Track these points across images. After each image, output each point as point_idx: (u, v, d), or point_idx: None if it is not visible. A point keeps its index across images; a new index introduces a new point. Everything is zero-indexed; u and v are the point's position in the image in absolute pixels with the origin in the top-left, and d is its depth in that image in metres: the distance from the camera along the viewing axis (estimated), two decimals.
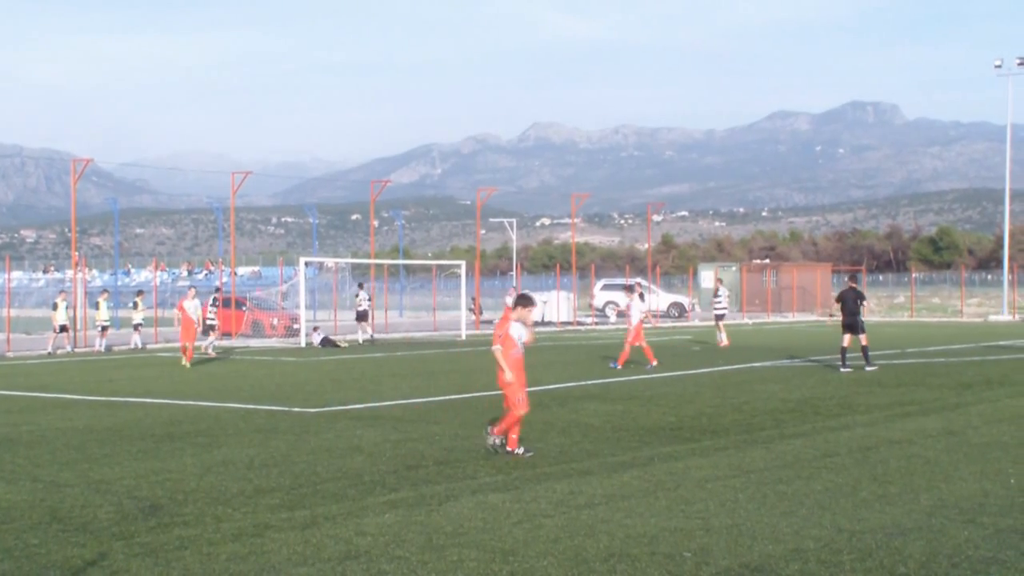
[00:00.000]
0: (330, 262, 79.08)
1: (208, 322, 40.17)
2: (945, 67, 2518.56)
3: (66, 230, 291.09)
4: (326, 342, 43.33)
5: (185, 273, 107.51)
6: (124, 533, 10.28)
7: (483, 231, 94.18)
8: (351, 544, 9.77)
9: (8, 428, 18.09)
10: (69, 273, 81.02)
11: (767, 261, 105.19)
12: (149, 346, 42.80)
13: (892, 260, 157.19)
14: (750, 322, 67.39)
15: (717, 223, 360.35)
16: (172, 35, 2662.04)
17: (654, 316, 59.93)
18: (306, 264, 51.65)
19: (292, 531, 10.28)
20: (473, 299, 60.79)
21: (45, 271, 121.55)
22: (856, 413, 19.08)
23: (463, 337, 48.82)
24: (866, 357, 28.78)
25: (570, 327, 60.18)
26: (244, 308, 50.82)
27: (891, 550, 9.43)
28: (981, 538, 9.87)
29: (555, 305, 63.71)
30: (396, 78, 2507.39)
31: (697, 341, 44.83)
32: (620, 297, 69.40)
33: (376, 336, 48.34)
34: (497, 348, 14.95)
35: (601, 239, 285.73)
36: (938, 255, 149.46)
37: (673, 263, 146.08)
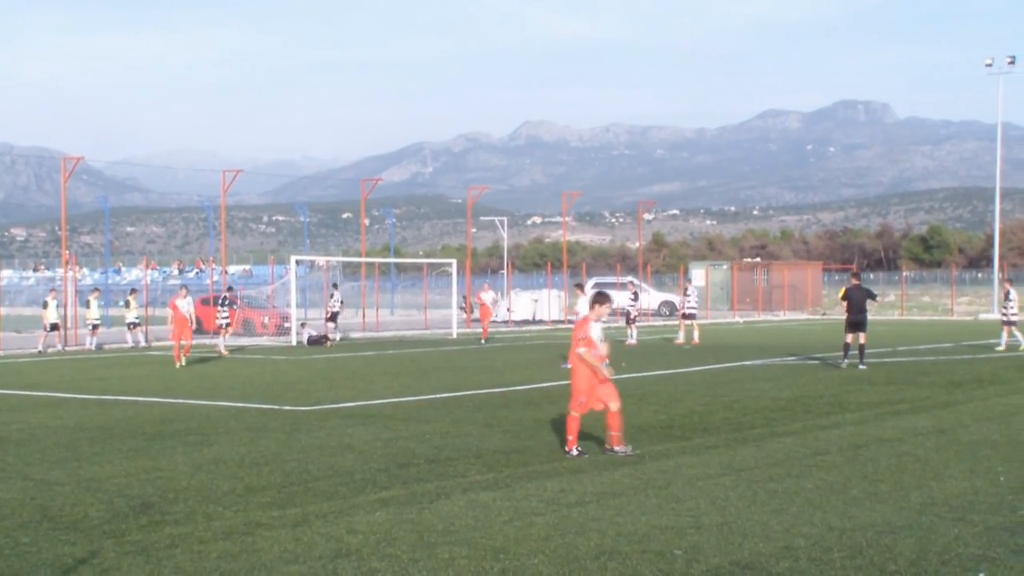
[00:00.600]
0: (321, 260, 79.04)
1: (221, 321, 39.96)
2: (936, 66, 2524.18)
3: (56, 228, 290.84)
4: (312, 340, 43.26)
5: (176, 272, 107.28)
6: (115, 531, 10.27)
7: (474, 229, 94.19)
8: (342, 542, 9.77)
9: None
10: (59, 271, 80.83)
11: (758, 260, 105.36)
12: (141, 344, 42.69)
13: (883, 259, 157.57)
14: (741, 320, 67.46)
15: (708, 222, 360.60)
16: (163, 33, 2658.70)
17: (645, 315, 59.94)
18: (297, 262, 51.61)
19: (283, 529, 10.28)
20: (464, 297, 60.78)
21: (35, 269, 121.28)
22: (847, 411, 19.11)
23: (454, 335, 48.82)
24: (862, 356, 28.83)
25: (561, 325, 60.17)
26: (235, 307, 50.74)
27: (881, 548, 9.45)
28: (971, 536, 9.90)
29: (546, 303, 63.75)
30: (387, 76, 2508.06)
31: (688, 340, 44.82)
32: (612, 295, 69.62)
33: (353, 336, 48.46)
34: (583, 351, 14.47)
35: (592, 238, 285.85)
36: (929, 254, 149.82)
37: (664, 262, 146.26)
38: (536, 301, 64.28)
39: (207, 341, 42.03)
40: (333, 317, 46.09)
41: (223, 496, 11.89)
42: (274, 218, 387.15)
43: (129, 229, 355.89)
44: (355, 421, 18.22)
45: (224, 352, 38.02)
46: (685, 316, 43.42)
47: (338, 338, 45.64)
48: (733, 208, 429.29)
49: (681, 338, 42.27)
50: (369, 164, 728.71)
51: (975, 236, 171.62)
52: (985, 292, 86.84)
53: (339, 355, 36.97)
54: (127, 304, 44.38)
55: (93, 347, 41.24)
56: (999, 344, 37.09)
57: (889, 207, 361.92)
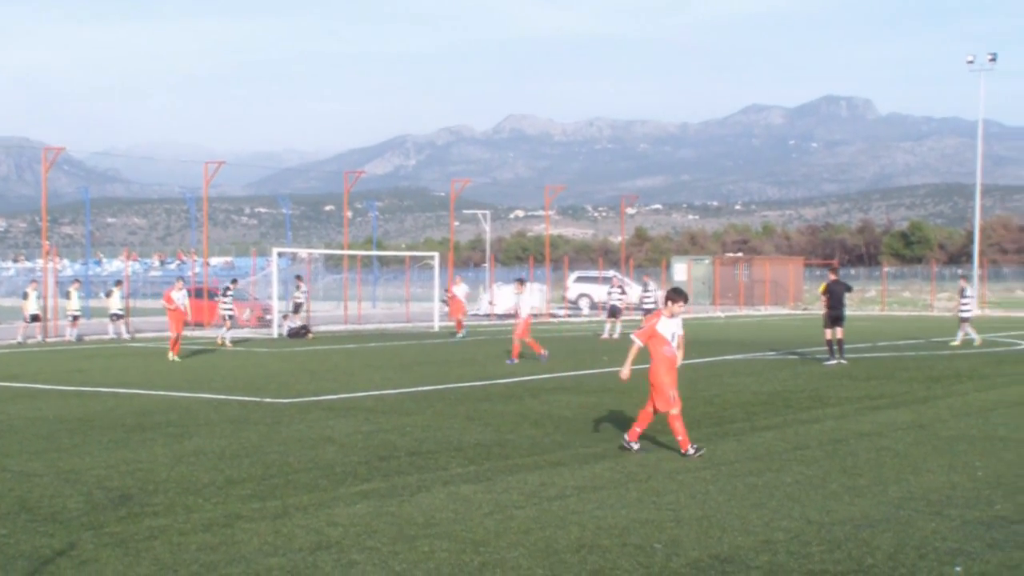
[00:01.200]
0: (303, 253, 78.82)
1: (225, 313, 39.51)
2: (918, 63, 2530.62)
3: (37, 219, 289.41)
4: (293, 333, 43.20)
5: (157, 263, 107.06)
6: (94, 523, 10.26)
7: (457, 223, 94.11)
8: (322, 534, 9.77)
9: None
10: (40, 262, 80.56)
11: (740, 254, 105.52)
12: (123, 335, 42.57)
13: (864, 254, 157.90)
14: (722, 315, 67.56)
15: (691, 216, 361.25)
16: (146, 23, 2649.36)
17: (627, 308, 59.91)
18: (279, 255, 51.48)
19: (263, 521, 10.28)
20: (447, 291, 60.74)
21: (15, 260, 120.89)
22: (827, 406, 19.17)
23: (436, 329, 48.80)
24: (841, 350, 28.94)
25: (543, 319, 60.21)
26: (216, 298, 50.64)
27: (859, 541, 9.49)
28: (948, 530, 9.95)
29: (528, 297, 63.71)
30: (371, 69, 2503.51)
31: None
32: (594, 289, 69.73)
33: (334, 329, 48.36)
34: (635, 338, 14.35)
35: (575, 231, 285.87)
36: (909, 249, 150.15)
37: (646, 256, 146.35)
38: (518, 295, 64.21)
39: (193, 333, 41.89)
40: (297, 308, 45.98)
41: (203, 488, 11.88)
42: (256, 210, 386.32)
43: (110, 220, 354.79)
44: (336, 414, 18.22)
45: (228, 344, 37.86)
46: (646, 311, 43.42)
47: (297, 324, 45.42)
48: (716, 203, 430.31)
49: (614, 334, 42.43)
50: (352, 157, 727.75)
51: (955, 232, 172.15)
52: None
53: (320, 348, 36.93)
54: (108, 294, 44.21)
55: (73, 338, 41.14)
56: (954, 340, 37.36)
57: (871, 203, 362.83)
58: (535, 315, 61.58)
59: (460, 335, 42.49)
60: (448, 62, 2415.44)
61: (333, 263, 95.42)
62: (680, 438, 13.95)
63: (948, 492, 11.64)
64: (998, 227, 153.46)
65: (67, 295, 43.28)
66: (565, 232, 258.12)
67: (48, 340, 41.06)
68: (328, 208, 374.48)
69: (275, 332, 43.65)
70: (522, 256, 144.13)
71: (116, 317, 43.11)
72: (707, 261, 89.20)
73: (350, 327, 50.84)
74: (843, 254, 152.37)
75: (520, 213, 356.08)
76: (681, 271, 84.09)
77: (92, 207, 74.29)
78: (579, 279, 75.70)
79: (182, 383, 24.11)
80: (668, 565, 8.81)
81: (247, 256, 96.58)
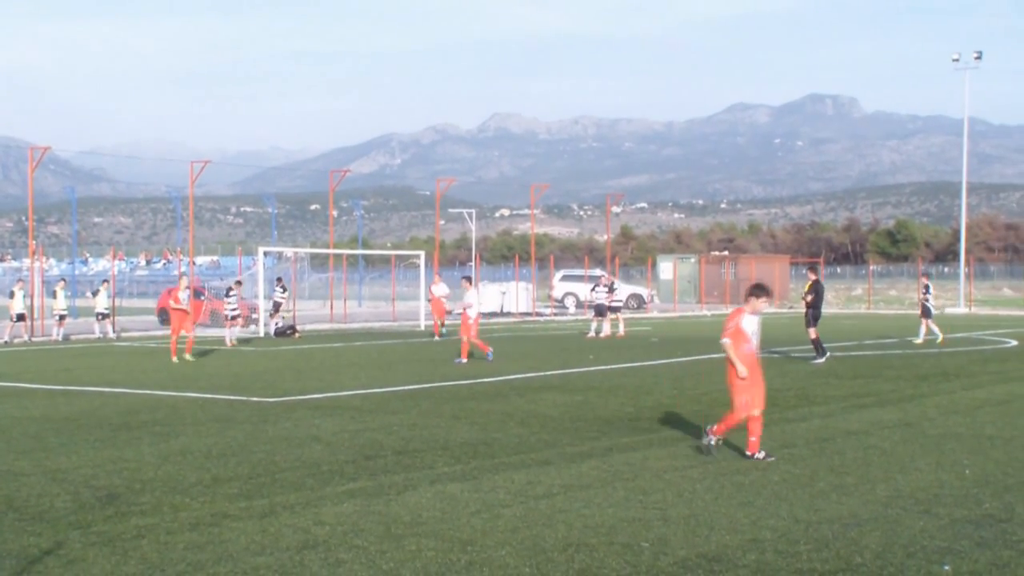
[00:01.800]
0: (289, 252, 78.75)
1: (230, 313, 39.28)
2: (903, 61, 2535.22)
3: (23, 218, 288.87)
4: (280, 332, 43.17)
5: (144, 262, 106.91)
6: (81, 522, 10.23)
7: (442, 222, 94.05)
8: (309, 533, 9.75)
9: None
10: (26, 262, 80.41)
11: (725, 253, 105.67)
12: (109, 335, 42.47)
13: (850, 252, 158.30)
14: (708, 313, 67.61)
15: (676, 215, 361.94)
16: (130, 21, 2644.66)
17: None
18: (265, 254, 51.44)
19: (250, 520, 10.25)
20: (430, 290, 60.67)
21: (1, 260, 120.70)
22: (813, 404, 19.19)
23: (422, 327, 48.74)
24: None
25: (529, 318, 60.24)
26: (202, 298, 50.55)
27: (847, 540, 9.50)
28: (936, 528, 9.95)
29: (514, 296, 63.82)
30: (356, 67, 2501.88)
31: (656, 333, 44.94)
32: (580, 288, 69.77)
33: (320, 327, 48.25)
34: (727, 342, 13.75)
35: (560, 230, 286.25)
36: (895, 248, 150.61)
37: (632, 255, 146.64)
38: (504, 293, 64.30)
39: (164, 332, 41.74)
40: (276, 307, 45.96)
41: (190, 487, 11.85)
42: (242, 209, 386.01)
43: (96, 219, 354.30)
44: (322, 412, 18.19)
45: (234, 343, 37.70)
46: (611, 309, 43.40)
47: (280, 322, 45.30)
48: (701, 201, 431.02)
49: (621, 330, 42.42)
50: (337, 155, 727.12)
51: (941, 230, 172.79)
52: (951, 286, 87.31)
53: (307, 346, 36.88)
54: (95, 294, 44.06)
55: (60, 337, 41.04)
56: (917, 338, 37.49)
57: (856, 201, 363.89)
58: (486, 314, 61.69)
59: (438, 339, 41.47)
60: (433, 61, 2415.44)
61: (319, 262, 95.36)
62: (753, 439, 13.54)
63: (936, 491, 11.65)
64: (984, 225, 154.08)
65: (53, 294, 43.16)
66: (551, 231, 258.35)
67: (34, 339, 40.95)
68: (314, 207, 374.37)
69: (261, 331, 43.59)
70: (507, 255, 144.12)
71: (102, 316, 42.99)
72: (693, 260, 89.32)
73: (336, 326, 50.79)
74: (829, 252, 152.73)
75: (505, 212, 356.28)
76: (667, 270, 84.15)
77: (78, 206, 74.05)
78: (565, 278, 75.77)
79: (168, 382, 24.05)
80: (655, 564, 8.80)
81: (233, 255, 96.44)
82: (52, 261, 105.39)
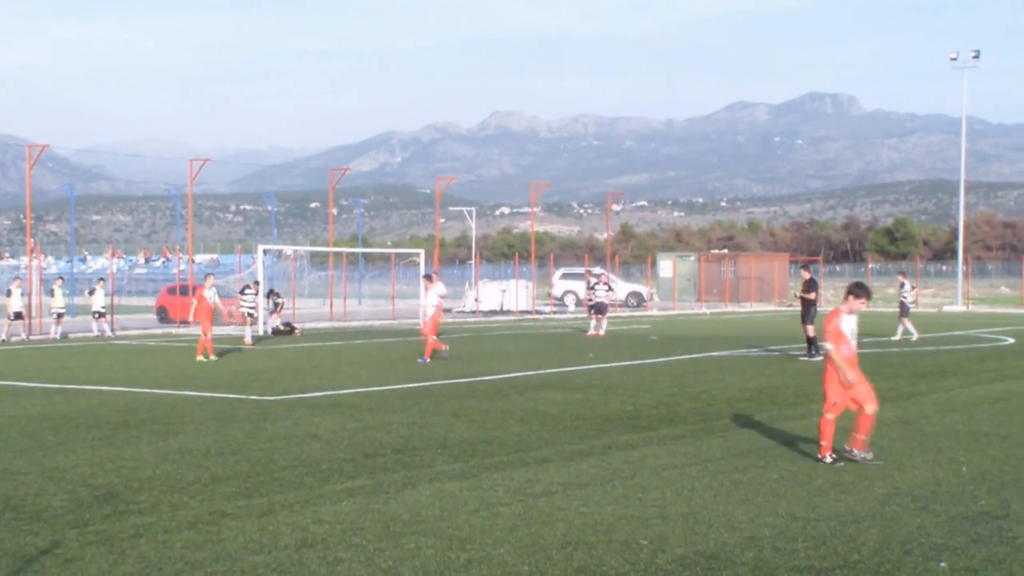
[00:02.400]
0: (289, 250, 78.81)
1: (247, 312, 39.01)
2: (902, 59, 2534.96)
3: (21, 216, 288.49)
4: (277, 331, 43.17)
5: (142, 260, 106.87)
6: (78, 521, 10.22)
7: (442, 220, 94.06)
8: (308, 532, 9.75)
9: None
10: (24, 260, 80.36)
11: (725, 251, 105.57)
12: (107, 333, 42.44)
13: (849, 251, 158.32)
14: (708, 312, 67.66)
15: (676, 213, 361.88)
16: (130, 19, 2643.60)
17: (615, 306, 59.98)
18: (264, 252, 51.42)
19: (248, 519, 10.25)
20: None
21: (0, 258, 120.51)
22: (812, 402, 19.14)
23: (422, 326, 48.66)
24: (816, 347, 29.15)
25: (529, 316, 60.25)
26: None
27: (845, 538, 9.50)
28: (933, 525, 9.97)
29: (514, 294, 63.85)
30: (356, 66, 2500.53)
31: (655, 331, 44.93)
32: (579, 286, 69.76)
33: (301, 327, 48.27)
34: (830, 347, 13.30)
35: (560, 228, 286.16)
36: (894, 246, 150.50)
37: (632, 253, 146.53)
38: (504, 291, 64.34)
39: (171, 330, 41.79)
40: (277, 307, 45.96)
41: (188, 486, 11.85)
42: (242, 207, 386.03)
43: (95, 217, 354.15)
44: (322, 411, 18.19)
45: (249, 342, 37.60)
46: (596, 308, 43.38)
47: (277, 322, 45.18)
48: (701, 199, 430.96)
49: (603, 328, 42.40)
50: (337, 154, 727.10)
51: (940, 229, 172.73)
52: (949, 284, 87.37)
53: (306, 345, 36.89)
54: (91, 292, 44.01)
55: (58, 336, 41.01)
56: (895, 336, 37.73)
57: (855, 199, 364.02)
58: (486, 312, 61.74)
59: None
60: (433, 59, 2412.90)
61: (319, 260, 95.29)
62: (824, 443, 13.22)
63: (933, 488, 11.66)
64: (982, 223, 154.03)
65: (51, 293, 43.10)
66: (551, 229, 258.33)
67: (32, 338, 40.92)
68: (313, 205, 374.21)
69: (260, 329, 43.59)
70: (508, 253, 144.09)
71: (99, 315, 42.92)
72: (692, 258, 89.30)
73: (336, 324, 50.80)
74: (828, 250, 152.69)
75: (506, 210, 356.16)
76: (667, 268, 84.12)
77: (77, 204, 74.12)
78: (565, 276, 75.80)
79: (167, 380, 24.05)
80: (654, 561, 8.81)
81: (232, 253, 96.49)
82: (50, 259, 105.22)
